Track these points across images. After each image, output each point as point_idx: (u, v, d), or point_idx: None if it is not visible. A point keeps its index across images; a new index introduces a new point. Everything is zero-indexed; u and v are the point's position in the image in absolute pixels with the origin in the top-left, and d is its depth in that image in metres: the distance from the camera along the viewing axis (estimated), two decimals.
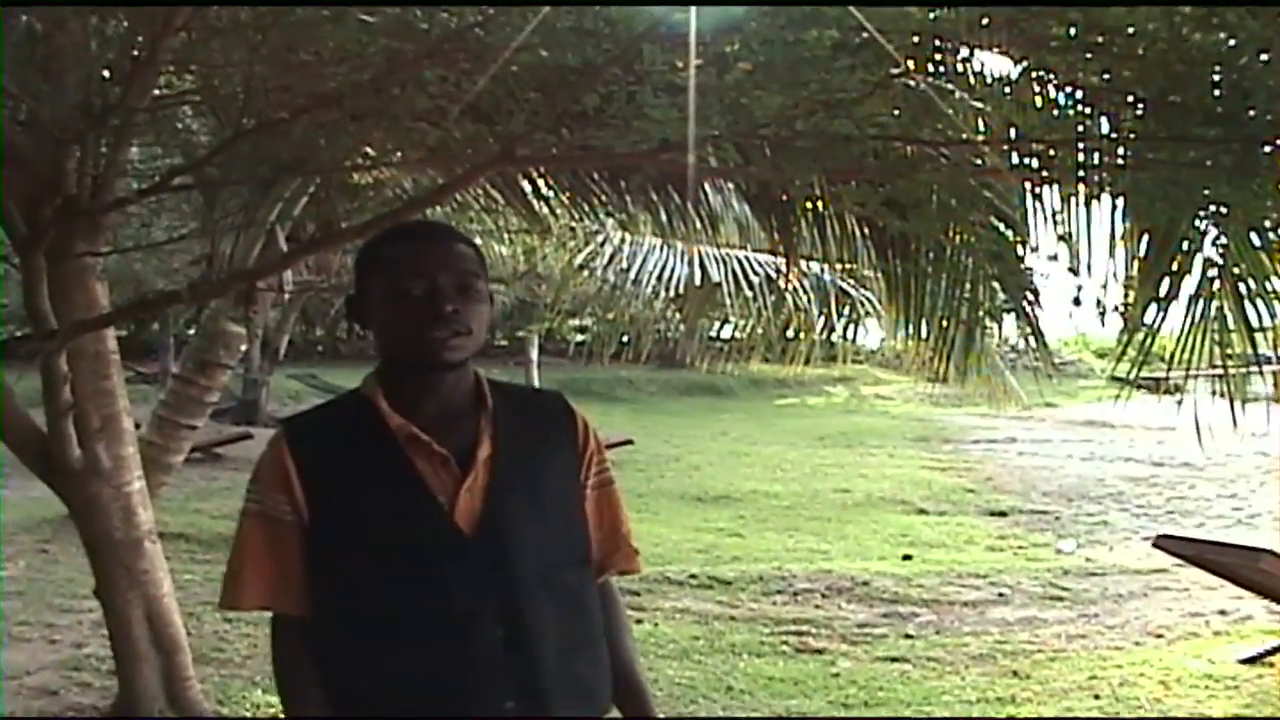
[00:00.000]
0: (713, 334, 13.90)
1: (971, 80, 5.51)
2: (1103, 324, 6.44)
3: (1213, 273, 6.03)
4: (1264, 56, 4.27)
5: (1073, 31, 4.55)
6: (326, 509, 2.65)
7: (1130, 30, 4.35)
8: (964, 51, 5.17)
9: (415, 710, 2.60)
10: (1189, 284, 6.21)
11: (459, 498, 2.63)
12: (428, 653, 2.61)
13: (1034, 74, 5.13)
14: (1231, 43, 4.24)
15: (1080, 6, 4.36)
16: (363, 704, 2.64)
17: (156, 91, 6.01)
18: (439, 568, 2.63)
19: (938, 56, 5.12)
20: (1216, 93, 4.49)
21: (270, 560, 2.68)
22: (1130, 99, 4.78)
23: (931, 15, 4.51)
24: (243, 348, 9.95)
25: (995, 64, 5.44)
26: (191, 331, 11.37)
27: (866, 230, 7.79)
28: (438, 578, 2.63)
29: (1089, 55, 4.69)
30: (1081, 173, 5.45)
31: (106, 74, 5.58)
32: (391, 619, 2.62)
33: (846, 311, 11.39)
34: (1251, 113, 4.43)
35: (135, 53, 5.38)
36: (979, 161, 5.42)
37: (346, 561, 2.64)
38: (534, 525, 2.72)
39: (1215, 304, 6.25)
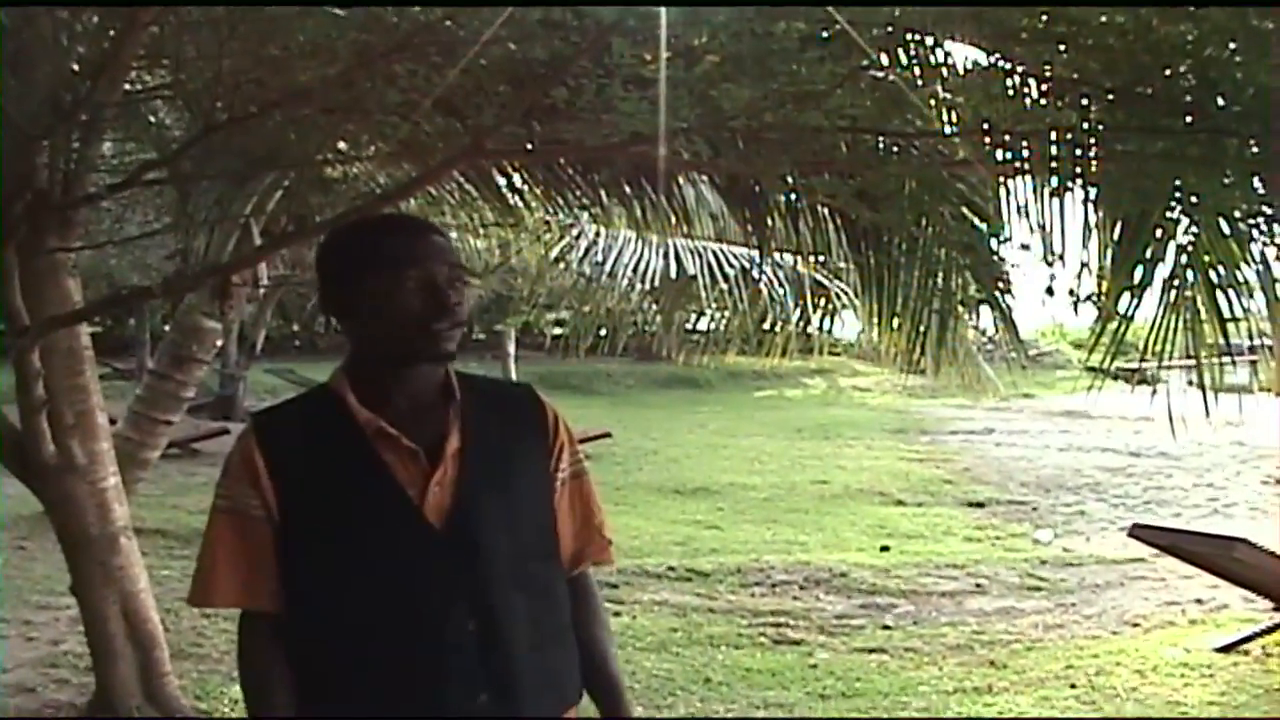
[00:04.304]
0: (689, 326, 13.88)
1: (944, 72, 5.52)
2: (1075, 313, 6.45)
3: (1184, 259, 6.05)
4: (1231, 46, 4.28)
5: (1041, 23, 4.56)
6: (296, 505, 2.64)
7: (1099, 20, 4.37)
8: (932, 43, 5.18)
9: (390, 705, 2.60)
10: (1162, 271, 6.23)
11: (428, 492, 2.62)
12: (401, 647, 2.60)
13: (1003, 65, 5.13)
14: (1197, 34, 4.26)
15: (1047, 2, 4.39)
16: (337, 699, 2.63)
17: (128, 86, 6.00)
18: (410, 562, 2.63)
19: (907, 49, 5.12)
20: (1184, 84, 4.51)
21: (242, 557, 2.66)
22: (1098, 90, 4.80)
23: (895, 12, 4.51)
24: (218, 343, 9.94)
25: (965, 55, 5.45)
26: (167, 327, 11.37)
27: (839, 222, 7.80)
28: (409, 572, 2.62)
29: (1060, 47, 4.70)
30: (1053, 164, 5.47)
31: (76, 68, 5.57)
32: (364, 614, 2.61)
33: (822, 303, 11.40)
34: (1219, 103, 4.45)
35: (105, 47, 5.36)
36: (945, 151, 5.43)
37: (317, 557, 2.63)
38: (504, 518, 2.72)
39: (1188, 293, 6.27)
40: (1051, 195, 6.36)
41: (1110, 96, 4.77)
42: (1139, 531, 9.80)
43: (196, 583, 2.73)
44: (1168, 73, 4.48)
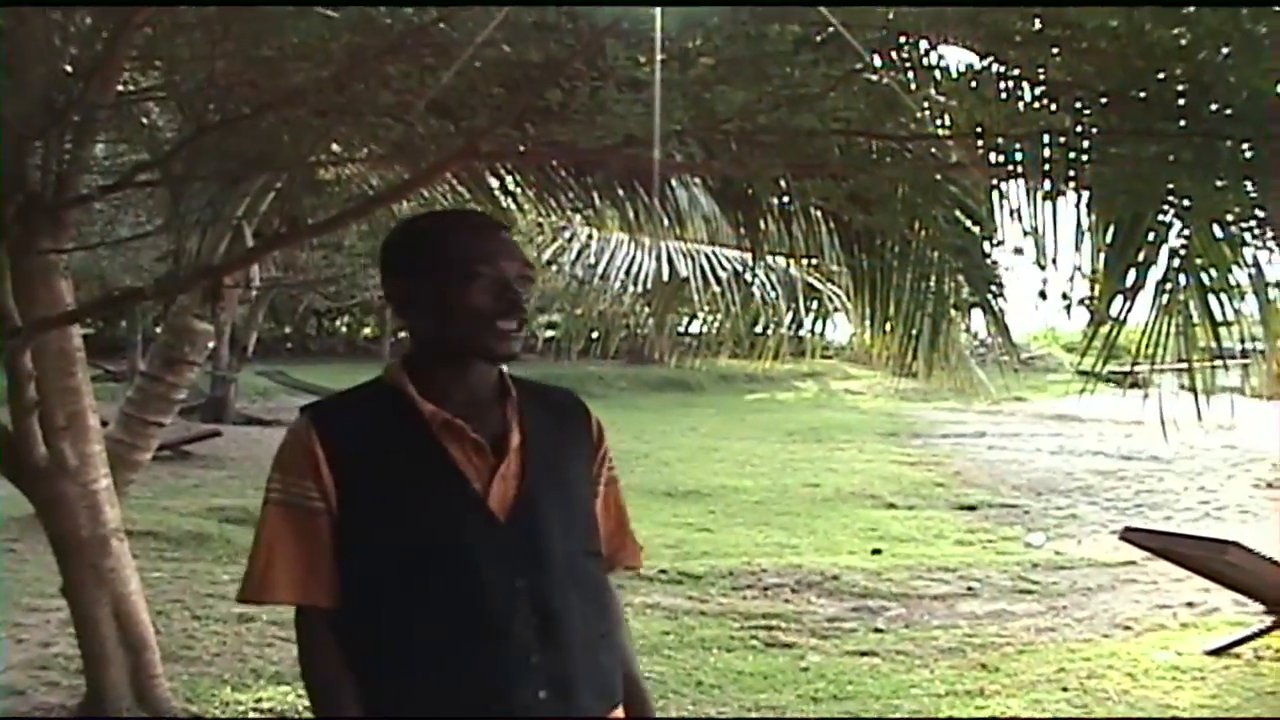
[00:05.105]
0: (681, 329, 13.88)
1: (937, 75, 5.52)
2: (1068, 316, 6.46)
3: (1176, 263, 6.06)
4: (1225, 49, 4.29)
5: (1035, 26, 4.56)
6: (357, 496, 2.61)
7: (1093, 23, 4.37)
8: (927, 46, 5.18)
9: (452, 698, 2.58)
10: (1154, 274, 6.24)
11: (493, 484, 2.63)
12: (465, 640, 2.59)
13: (996, 69, 5.14)
14: (1190, 37, 4.26)
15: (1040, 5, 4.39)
16: (396, 691, 2.60)
17: (120, 87, 6.00)
18: (476, 554, 2.61)
19: (901, 51, 5.12)
20: (1177, 87, 4.51)
21: (298, 551, 2.62)
22: (1092, 93, 4.80)
23: (889, 15, 4.51)
24: (210, 344, 9.91)
25: (958, 58, 5.46)
26: (159, 329, 11.35)
27: (832, 225, 7.80)
28: (474, 564, 2.61)
29: (1054, 50, 4.71)
30: (1046, 167, 5.47)
31: (69, 69, 5.56)
32: (427, 606, 2.59)
33: (814, 306, 11.40)
34: (1212, 107, 4.46)
35: (98, 48, 5.36)
36: (939, 154, 5.44)
37: (380, 549, 2.61)
38: (561, 514, 2.73)
39: (1180, 297, 6.27)
40: (1044, 199, 6.37)
41: (1104, 100, 4.78)
42: (1130, 534, 9.83)
43: (250, 579, 2.67)
44: (1161, 76, 4.48)
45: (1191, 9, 4.21)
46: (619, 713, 2.83)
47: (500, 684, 2.59)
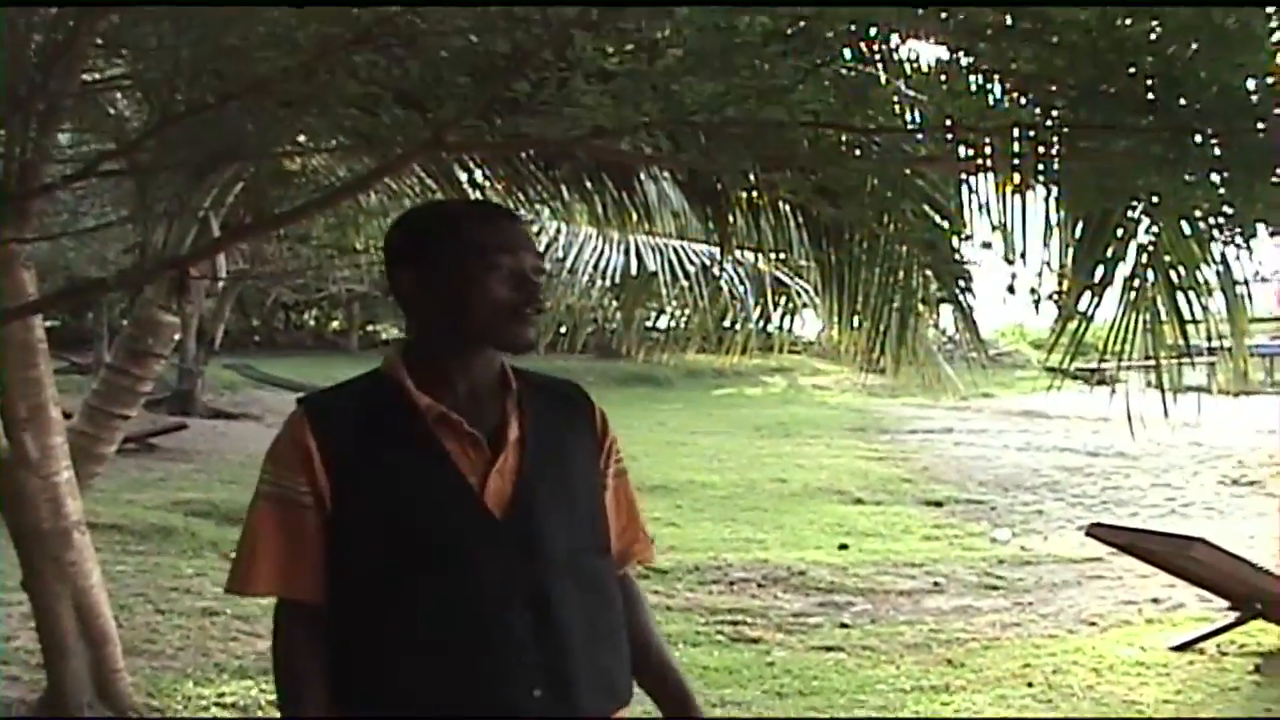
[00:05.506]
0: (650, 324, 13.87)
1: (906, 69, 5.51)
2: (1037, 311, 6.47)
3: (1144, 259, 6.07)
4: (1194, 45, 4.28)
5: (1006, 19, 4.55)
6: (350, 489, 2.59)
7: (1062, 19, 4.36)
8: (897, 39, 5.16)
9: (445, 695, 2.55)
10: (1122, 270, 6.25)
11: (489, 479, 2.60)
12: (458, 637, 2.55)
13: (967, 62, 5.13)
14: (1161, 31, 4.26)
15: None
16: (385, 689, 2.57)
17: (86, 75, 5.95)
18: (469, 550, 2.59)
19: (871, 44, 5.11)
20: (1148, 81, 4.50)
21: (284, 544, 2.59)
22: (1062, 87, 4.79)
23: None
24: (176, 337, 9.86)
25: (928, 51, 5.44)
26: (125, 322, 11.28)
27: (800, 219, 7.78)
28: (468, 560, 2.58)
29: (1024, 44, 4.69)
30: (1015, 161, 5.46)
31: (33, 56, 5.51)
32: (419, 602, 2.56)
33: (783, 301, 11.41)
34: (1181, 102, 4.45)
35: (62, 36, 5.31)
36: (908, 147, 5.42)
37: (372, 543, 2.58)
38: (560, 510, 2.70)
39: (1148, 293, 6.28)
40: (1013, 193, 6.37)
41: (1073, 93, 4.77)
42: (1097, 531, 9.88)
43: (236, 569, 2.66)
44: (1131, 70, 4.47)
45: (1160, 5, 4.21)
46: (625, 712, 2.79)
47: (492, 682, 2.56)
